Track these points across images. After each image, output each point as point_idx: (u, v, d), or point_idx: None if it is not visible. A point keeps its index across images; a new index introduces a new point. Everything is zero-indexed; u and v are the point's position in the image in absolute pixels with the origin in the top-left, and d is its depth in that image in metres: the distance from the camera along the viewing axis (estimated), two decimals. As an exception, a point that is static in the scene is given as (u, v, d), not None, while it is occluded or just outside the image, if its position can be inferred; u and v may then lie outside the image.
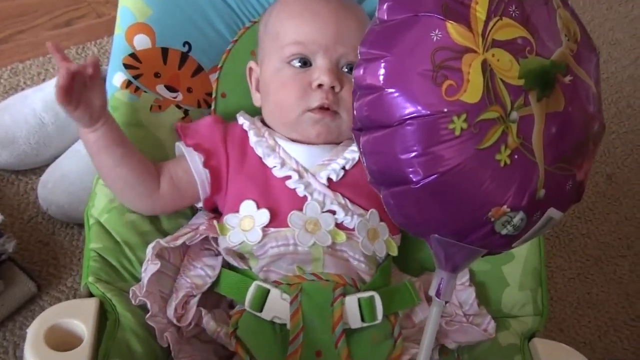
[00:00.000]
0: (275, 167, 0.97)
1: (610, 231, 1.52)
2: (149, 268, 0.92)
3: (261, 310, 0.90)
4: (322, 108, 0.97)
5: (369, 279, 0.95)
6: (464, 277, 1.03)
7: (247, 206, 0.95)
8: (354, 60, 0.97)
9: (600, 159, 1.64)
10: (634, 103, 1.81)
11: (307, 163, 0.99)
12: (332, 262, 0.93)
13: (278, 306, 0.90)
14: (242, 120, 1.03)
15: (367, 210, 0.97)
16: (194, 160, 0.99)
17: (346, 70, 0.99)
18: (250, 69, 1.08)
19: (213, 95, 1.11)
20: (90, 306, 0.89)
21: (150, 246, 0.94)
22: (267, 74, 1.02)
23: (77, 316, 0.87)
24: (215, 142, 0.99)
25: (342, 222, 0.95)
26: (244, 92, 1.09)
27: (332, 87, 0.97)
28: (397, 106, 0.71)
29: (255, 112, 1.07)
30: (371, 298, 0.91)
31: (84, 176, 1.27)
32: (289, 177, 0.96)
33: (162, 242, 0.94)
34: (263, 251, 0.94)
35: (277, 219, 0.94)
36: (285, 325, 0.90)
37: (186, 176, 0.99)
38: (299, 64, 0.99)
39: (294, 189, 0.96)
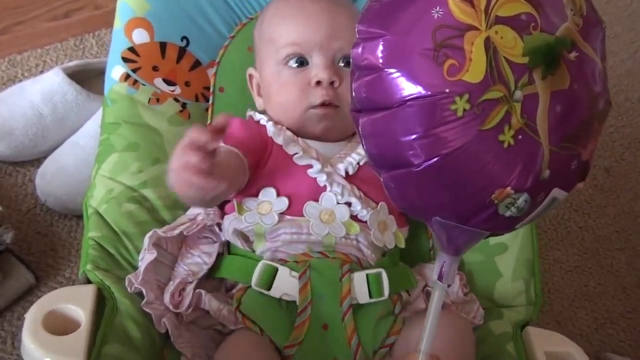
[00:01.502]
0: (296, 154, 0.98)
1: (607, 224, 1.52)
2: (146, 257, 0.93)
3: (269, 289, 0.91)
4: (324, 104, 0.99)
5: (373, 263, 0.96)
6: (452, 268, 1.04)
7: (267, 193, 0.97)
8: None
9: (598, 153, 1.64)
10: (632, 97, 1.81)
11: (325, 154, 1.00)
12: (342, 248, 0.95)
13: (287, 283, 0.91)
14: (258, 116, 1.04)
15: (378, 204, 0.99)
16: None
17: (343, 64, 1.00)
18: (250, 75, 1.09)
19: (211, 90, 1.12)
20: (88, 292, 0.90)
21: (147, 235, 0.94)
22: (266, 77, 1.04)
23: (75, 302, 0.88)
24: (256, 142, 0.99)
25: (357, 214, 0.97)
26: (242, 86, 1.10)
27: (332, 83, 0.98)
28: (397, 87, 0.69)
29: (254, 108, 1.08)
30: (379, 274, 0.93)
31: (81, 168, 1.28)
32: (310, 166, 0.97)
33: (159, 231, 0.95)
34: (275, 235, 0.95)
35: (293, 207, 0.95)
36: (292, 302, 0.91)
37: (244, 174, 0.97)
38: (296, 64, 1.00)
39: (315, 179, 0.97)
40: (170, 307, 0.92)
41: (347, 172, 0.99)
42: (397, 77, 0.69)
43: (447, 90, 0.68)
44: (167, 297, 0.93)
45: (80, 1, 1.67)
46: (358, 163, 1.00)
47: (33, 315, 0.85)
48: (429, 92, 0.68)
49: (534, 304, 1.03)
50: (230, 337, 0.90)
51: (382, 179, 0.74)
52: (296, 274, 0.91)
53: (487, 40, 0.69)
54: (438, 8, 0.69)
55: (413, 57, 0.68)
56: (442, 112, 0.68)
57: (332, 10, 1.01)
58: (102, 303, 0.91)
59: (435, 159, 0.69)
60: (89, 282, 0.94)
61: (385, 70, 0.69)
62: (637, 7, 2.07)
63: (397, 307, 0.96)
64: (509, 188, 0.70)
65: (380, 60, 0.70)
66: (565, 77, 0.73)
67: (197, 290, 0.93)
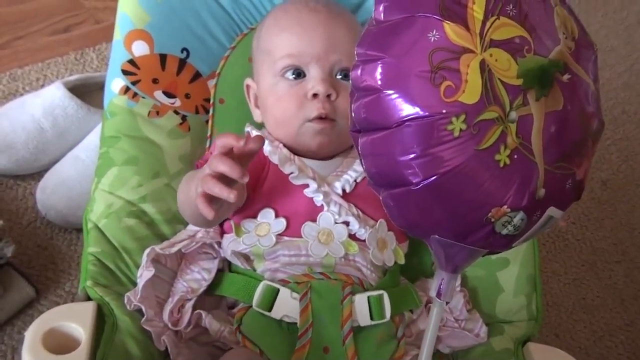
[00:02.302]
0: (292, 173, 0.97)
1: (605, 237, 1.53)
2: (144, 274, 0.93)
3: (270, 310, 0.91)
4: (320, 118, 0.98)
5: (375, 284, 0.96)
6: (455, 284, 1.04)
7: (266, 214, 0.96)
8: (348, 67, 0.98)
9: (595, 165, 1.65)
10: (629, 110, 1.82)
11: (321, 173, 1.00)
12: (343, 268, 0.94)
13: (288, 305, 0.90)
14: (255, 133, 1.04)
15: (376, 221, 0.98)
16: None
17: (340, 77, 1.00)
18: (248, 86, 1.09)
19: (211, 102, 1.12)
20: (88, 310, 0.90)
21: (145, 252, 0.94)
22: (263, 89, 1.03)
23: (75, 319, 0.87)
24: (253, 162, 0.98)
25: (355, 233, 0.96)
26: (242, 98, 1.10)
27: (328, 96, 0.98)
28: (396, 108, 0.70)
29: (254, 121, 1.09)
30: (380, 296, 0.93)
31: (82, 182, 1.28)
32: (306, 186, 0.97)
33: (157, 248, 0.95)
34: (274, 256, 0.94)
35: (291, 228, 0.95)
36: (293, 323, 0.90)
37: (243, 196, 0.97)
38: (293, 75, 1.00)
39: (312, 198, 0.97)
40: (169, 325, 0.92)
41: (344, 190, 0.99)
42: (395, 98, 0.71)
43: (444, 111, 0.70)
44: (166, 315, 0.93)
45: (80, 16, 1.69)
46: (355, 180, 0.99)
47: (32, 334, 0.84)
48: (427, 113, 0.70)
49: (535, 319, 1.03)
50: (229, 353, 0.89)
51: (381, 198, 0.75)
52: (297, 296, 0.90)
53: (483, 63, 0.71)
54: (434, 32, 0.71)
55: (411, 79, 0.70)
56: (439, 132, 0.69)
57: (330, 23, 1.01)
58: (102, 319, 0.91)
59: (433, 177, 0.70)
60: (88, 298, 0.94)
61: (384, 91, 0.71)
62: (633, 21, 2.09)
63: (400, 330, 0.95)
64: (505, 207, 0.72)
65: (379, 82, 0.71)
66: (559, 99, 0.75)
67: (197, 311, 0.93)
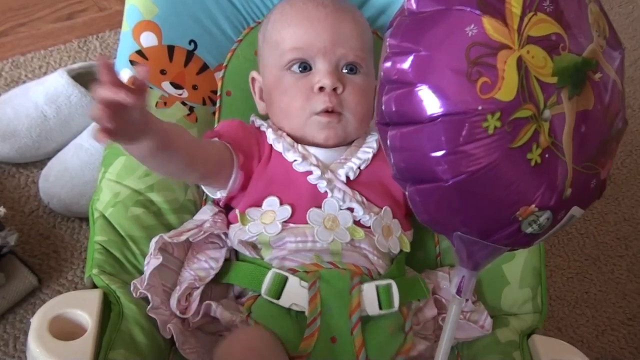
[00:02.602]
0: (296, 160, 0.98)
1: (608, 231, 1.53)
2: (152, 262, 0.93)
3: (279, 298, 0.91)
4: (327, 111, 0.98)
5: (383, 271, 0.96)
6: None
7: (271, 202, 0.97)
8: (354, 61, 0.99)
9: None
10: (634, 104, 1.82)
11: (325, 161, 1.00)
12: (350, 256, 0.95)
13: (297, 293, 0.91)
14: (259, 122, 1.04)
15: (381, 208, 0.98)
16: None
17: (346, 71, 1.00)
18: (253, 78, 1.09)
19: (218, 93, 1.12)
20: (94, 297, 0.90)
21: (153, 240, 0.94)
22: (269, 82, 1.04)
23: (81, 307, 0.88)
24: (251, 145, 1.00)
25: (360, 219, 0.96)
26: (249, 90, 1.10)
27: (335, 89, 0.98)
28: (429, 103, 0.69)
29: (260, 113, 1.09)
30: (389, 285, 0.93)
31: (85, 170, 1.28)
32: (310, 173, 0.97)
33: (166, 237, 0.94)
34: (281, 243, 0.95)
35: (296, 215, 0.95)
36: (302, 312, 0.90)
37: (229, 168, 0.97)
38: (299, 69, 1.00)
39: (315, 185, 0.97)
40: (177, 313, 0.92)
41: (348, 178, 0.99)
42: (429, 92, 0.69)
43: (479, 108, 0.68)
44: (173, 303, 0.93)
45: (83, 3, 1.68)
46: (359, 168, 1.00)
47: (39, 320, 0.85)
48: (462, 109, 0.68)
49: (540, 312, 1.03)
50: (240, 330, 0.90)
51: (407, 192, 0.74)
52: (306, 284, 0.91)
53: (520, 60, 0.70)
54: (472, 26, 0.69)
55: (446, 74, 0.69)
56: (473, 129, 0.68)
57: (337, 17, 1.01)
58: (108, 308, 0.91)
59: (464, 175, 0.69)
60: (94, 286, 0.94)
61: (417, 85, 0.70)
62: (638, 15, 2.08)
63: (408, 323, 0.95)
64: (533, 206, 0.71)
65: (412, 75, 0.70)
66: (590, 98, 0.74)
67: (207, 302, 0.93)
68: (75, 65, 1.41)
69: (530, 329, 1.01)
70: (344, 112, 0.99)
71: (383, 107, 0.73)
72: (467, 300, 0.78)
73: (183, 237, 0.95)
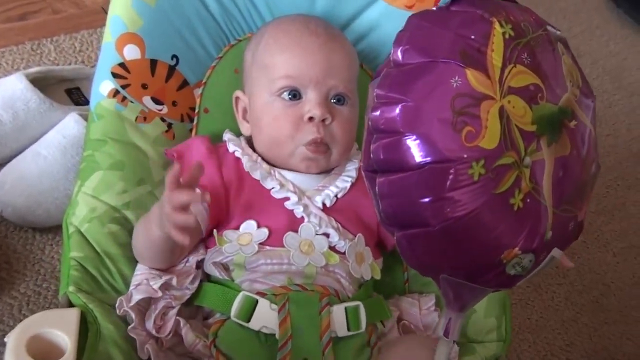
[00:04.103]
0: (274, 188, 0.99)
1: (548, 260, 1.60)
2: (147, 290, 0.92)
3: (248, 321, 0.91)
4: (315, 142, 1.00)
5: (351, 295, 0.98)
6: (429, 303, 1.07)
7: (248, 225, 0.97)
8: (343, 92, 1.02)
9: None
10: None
11: (302, 187, 1.02)
12: (322, 279, 0.96)
13: (267, 316, 0.91)
14: (233, 147, 1.04)
15: (355, 235, 1.00)
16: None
17: (334, 101, 1.02)
18: (237, 98, 1.09)
19: (196, 110, 1.12)
20: (72, 316, 0.88)
21: (154, 272, 0.94)
22: (257, 106, 1.04)
23: (59, 326, 0.86)
24: (211, 175, 1.00)
25: (335, 245, 0.98)
26: (227, 108, 1.10)
27: (324, 120, 1.00)
28: (417, 151, 0.72)
29: (238, 129, 1.09)
30: (357, 307, 0.95)
31: (43, 179, 1.24)
32: (287, 199, 0.99)
33: (175, 283, 0.94)
34: (255, 265, 0.95)
35: (273, 238, 0.96)
36: (272, 335, 0.91)
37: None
38: (289, 96, 1.01)
39: (292, 210, 0.98)
40: (153, 332, 0.91)
41: (324, 204, 1.01)
42: (416, 141, 0.72)
43: (465, 156, 0.72)
44: (149, 323, 0.92)
45: (37, 4, 1.62)
46: (336, 196, 1.02)
47: (16, 340, 0.82)
48: (448, 157, 0.72)
49: (504, 340, 1.07)
50: None
51: (395, 238, 0.76)
52: (276, 307, 0.91)
53: (502, 109, 0.74)
54: (457, 78, 0.73)
55: (432, 123, 0.72)
56: (459, 177, 0.72)
57: (330, 47, 1.03)
58: (84, 326, 0.89)
59: (450, 220, 0.72)
60: (70, 304, 0.92)
61: (405, 134, 0.73)
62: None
63: (373, 338, 0.97)
64: (516, 249, 0.74)
65: (400, 125, 0.73)
66: (567, 144, 0.79)
67: (177, 318, 0.93)
68: (33, 70, 1.36)
69: (494, 357, 1.04)
70: (331, 146, 1.02)
71: (371, 155, 0.76)
72: (454, 342, 0.80)
73: (186, 283, 0.96)
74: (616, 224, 1.69)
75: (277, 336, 0.90)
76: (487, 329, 1.07)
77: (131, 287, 0.93)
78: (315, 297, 0.93)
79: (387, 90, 0.75)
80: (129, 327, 0.90)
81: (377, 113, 0.75)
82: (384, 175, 0.75)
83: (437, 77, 0.73)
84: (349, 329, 0.94)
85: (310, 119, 0.99)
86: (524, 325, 1.46)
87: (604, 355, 1.45)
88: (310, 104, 1.00)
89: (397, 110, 0.73)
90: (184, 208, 0.83)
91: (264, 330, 0.91)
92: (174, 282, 0.94)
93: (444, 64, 0.74)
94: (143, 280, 0.93)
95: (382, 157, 0.75)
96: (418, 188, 0.72)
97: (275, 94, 1.01)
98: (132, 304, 0.90)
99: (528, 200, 0.75)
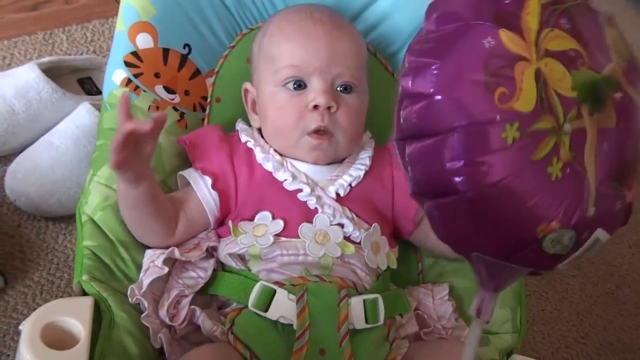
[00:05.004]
0: (286, 180, 0.99)
1: (561, 252, 1.59)
2: (153, 271, 0.92)
3: (266, 310, 0.91)
4: (319, 131, 0.99)
5: (369, 287, 0.97)
6: (442, 292, 1.07)
7: (263, 216, 0.97)
8: (349, 81, 1.00)
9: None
10: None
11: (315, 178, 1.01)
12: (338, 270, 0.95)
13: (285, 306, 0.91)
14: (245, 137, 1.04)
15: (370, 225, 0.99)
16: (201, 188, 0.99)
17: (340, 89, 1.01)
18: (246, 90, 1.08)
19: (208, 100, 1.11)
20: (86, 305, 0.88)
21: (154, 251, 0.93)
22: (263, 97, 1.04)
23: (74, 314, 0.85)
24: (222, 163, 1.00)
25: (350, 235, 0.97)
26: (239, 98, 1.10)
27: (329, 108, 0.99)
28: (448, 113, 0.68)
29: (247, 121, 1.08)
30: (375, 300, 0.94)
31: (56, 168, 1.24)
32: (300, 190, 0.98)
33: (177, 252, 0.94)
34: (271, 256, 0.95)
35: (288, 229, 0.96)
36: (288, 324, 0.91)
37: (197, 208, 0.99)
38: (294, 86, 1.00)
39: (305, 202, 0.98)
40: (167, 320, 0.91)
41: (338, 194, 1.00)
42: (448, 103, 0.68)
43: (497, 118, 0.67)
44: (163, 311, 0.92)
45: (49, -7, 1.62)
46: (350, 185, 1.01)
47: (31, 328, 0.82)
48: (480, 119, 0.68)
49: (519, 332, 1.06)
50: (205, 346, 0.90)
51: (425, 208, 0.73)
52: (294, 297, 0.91)
53: (538, 72, 0.70)
54: (489, 38, 0.69)
55: (464, 85, 0.68)
56: (492, 140, 0.67)
57: (335, 35, 1.02)
58: (98, 315, 0.89)
59: (482, 187, 0.68)
60: (83, 292, 0.92)
61: (436, 97, 0.69)
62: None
63: (392, 333, 0.97)
64: (554, 222, 0.69)
65: (431, 88, 0.69)
66: (612, 116, 0.73)
67: (192, 307, 0.93)
68: (45, 59, 1.36)
69: (509, 349, 1.04)
70: (335, 133, 1.00)
71: (402, 122, 0.72)
72: (487, 322, 0.78)
73: (192, 258, 0.95)
74: (632, 216, 1.67)
75: (294, 326, 0.90)
76: (502, 320, 1.06)
77: (141, 275, 0.93)
78: (333, 288, 0.93)
79: (417, 55, 0.71)
80: (142, 315, 0.90)
81: (409, 77, 0.71)
82: (414, 142, 0.71)
83: (469, 39, 0.70)
84: (367, 322, 0.93)
85: (315, 107, 0.99)
86: (538, 317, 1.45)
87: (619, 347, 1.43)
88: (315, 92, 0.99)
89: (428, 74, 0.70)
90: (129, 138, 0.84)
91: (282, 320, 0.91)
92: (176, 253, 0.93)
93: (477, 26, 0.70)
94: (150, 264, 0.93)
95: (413, 121, 0.70)
96: (449, 152, 0.68)
97: (280, 85, 1.01)
98: (144, 289, 0.90)
99: (568, 171, 0.69)
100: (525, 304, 1.08)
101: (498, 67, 0.69)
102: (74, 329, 0.85)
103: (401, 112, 0.72)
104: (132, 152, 0.86)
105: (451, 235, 0.74)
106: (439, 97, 0.69)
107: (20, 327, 0.83)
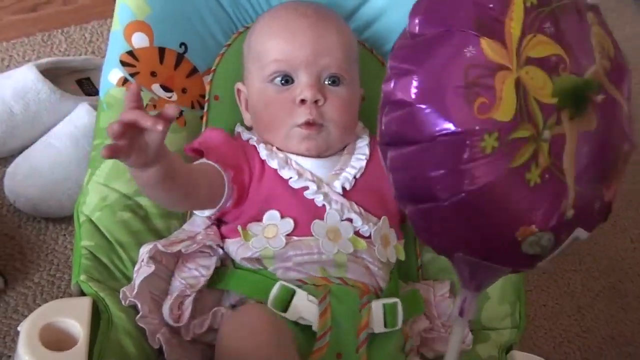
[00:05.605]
0: (291, 178, 0.98)
1: (563, 247, 1.58)
2: (143, 270, 0.92)
3: (285, 311, 0.91)
4: (308, 123, 0.99)
5: (384, 285, 0.97)
6: (443, 289, 1.07)
7: (271, 216, 0.96)
8: (337, 72, 1.00)
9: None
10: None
11: (319, 174, 1.00)
12: (354, 269, 0.95)
13: (305, 308, 0.91)
14: (247, 135, 1.04)
15: (379, 218, 0.99)
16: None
17: (328, 82, 1.01)
18: (239, 90, 1.08)
19: (206, 98, 1.11)
20: (84, 305, 0.88)
21: (146, 248, 0.93)
22: (253, 94, 1.04)
23: (72, 315, 0.86)
24: (239, 158, 0.99)
25: (359, 230, 0.97)
26: (237, 95, 1.09)
27: (316, 102, 0.99)
28: (429, 123, 0.70)
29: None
30: (395, 304, 0.94)
31: (55, 170, 1.25)
32: (306, 188, 0.98)
33: (160, 245, 0.93)
34: (286, 257, 0.94)
35: (299, 228, 0.95)
36: (307, 326, 0.91)
37: (219, 190, 0.97)
38: (282, 81, 1.00)
39: (312, 199, 0.97)
40: (171, 322, 0.91)
41: (344, 189, 1.00)
42: (429, 112, 0.70)
43: (477, 128, 0.69)
44: (166, 312, 0.92)
45: (48, -5, 1.62)
46: (354, 177, 1.01)
47: (29, 329, 0.83)
48: (460, 129, 0.69)
49: (518, 327, 1.06)
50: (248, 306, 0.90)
51: (407, 213, 0.75)
52: (313, 298, 0.91)
53: (518, 81, 0.71)
54: (471, 47, 0.70)
55: (445, 94, 0.70)
56: (471, 149, 0.69)
57: (320, 27, 1.02)
58: (96, 315, 0.89)
59: (463, 194, 0.70)
60: (81, 293, 0.92)
61: (417, 105, 0.70)
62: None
63: (409, 343, 0.97)
64: (533, 226, 0.71)
65: (412, 96, 0.70)
66: (592, 119, 0.75)
67: (215, 309, 0.92)
68: (44, 61, 1.36)
69: (508, 344, 1.03)
70: (325, 124, 1.00)
71: (383, 128, 0.74)
72: (469, 321, 0.79)
73: (176, 248, 0.93)
74: (634, 210, 1.67)
75: (314, 327, 0.90)
76: (502, 315, 1.06)
77: (134, 275, 0.93)
78: (356, 292, 0.93)
79: (399, 61, 0.73)
80: (137, 316, 0.89)
81: (390, 85, 0.72)
82: (396, 149, 0.73)
83: (450, 47, 0.71)
84: (385, 326, 0.93)
85: (302, 101, 0.98)
86: (539, 312, 1.44)
87: (621, 341, 1.43)
88: (302, 86, 0.99)
89: (409, 81, 0.71)
90: (129, 128, 0.78)
91: (301, 322, 0.91)
92: (160, 246, 0.92)
93: (459, 33, 0.71)
94: (141, 264, 0.92)
95: (394, 129, 0.72)
96: (430, 161, 0.70)
97: (267, 81, 1.01)
98: (136, 290, 0.90)
99: (546, 176, 0.71)
100: (525, 299, 1.08)
101: (478, 77, 0.70)
102: (73, 330, 0.85)
103: (383, 118, 0.73)
104: (131, 142, 0.79)
105: (432, 239, 0.76)
106: (419, 106, 0.70)
107: (19, 328, 0.84)
